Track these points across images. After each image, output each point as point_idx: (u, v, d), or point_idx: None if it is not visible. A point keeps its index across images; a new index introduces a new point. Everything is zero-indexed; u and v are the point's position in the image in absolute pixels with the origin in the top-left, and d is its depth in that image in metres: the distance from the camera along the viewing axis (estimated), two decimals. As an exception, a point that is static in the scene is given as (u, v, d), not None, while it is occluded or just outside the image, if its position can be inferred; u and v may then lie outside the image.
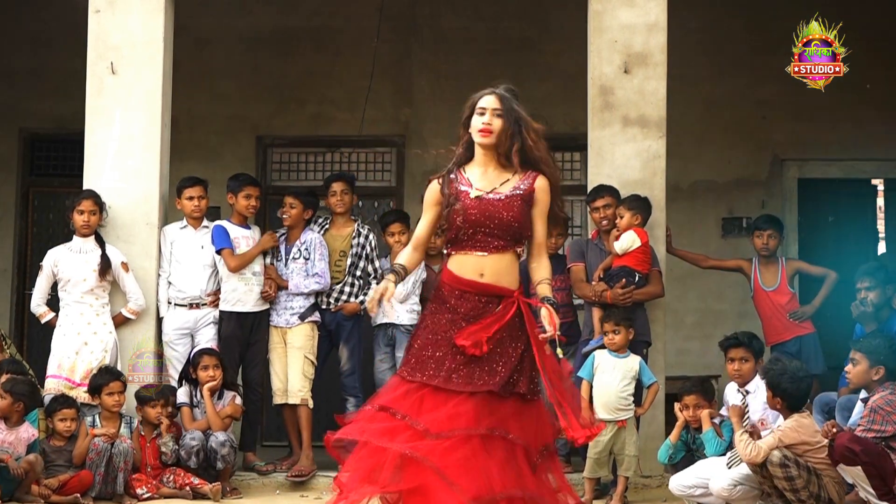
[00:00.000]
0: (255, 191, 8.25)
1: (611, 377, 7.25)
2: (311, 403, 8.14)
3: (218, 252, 8.04)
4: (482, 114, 4.92)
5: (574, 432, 4.84)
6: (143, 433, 7.62)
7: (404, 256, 5.10)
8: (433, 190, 5.03)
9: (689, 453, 7.04)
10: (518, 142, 4.92)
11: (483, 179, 4.96)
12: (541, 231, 5.01)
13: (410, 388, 4.80)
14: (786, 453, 6.18)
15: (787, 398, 6.30)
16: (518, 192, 4.92)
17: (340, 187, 8.40)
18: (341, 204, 8.38)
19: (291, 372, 8.13)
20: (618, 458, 7.24)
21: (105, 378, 7.51)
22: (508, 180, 4.95)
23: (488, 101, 4.94)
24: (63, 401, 7.45)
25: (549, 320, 4.84)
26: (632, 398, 7.27)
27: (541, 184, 4.99)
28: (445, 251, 5.02)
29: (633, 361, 7.30)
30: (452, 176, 4.97)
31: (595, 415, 7.23)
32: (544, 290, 4.98)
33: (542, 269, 5.03)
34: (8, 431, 7.10)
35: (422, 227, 5.10)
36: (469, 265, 4.89)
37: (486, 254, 4.86)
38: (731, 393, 7.05)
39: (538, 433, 4.90)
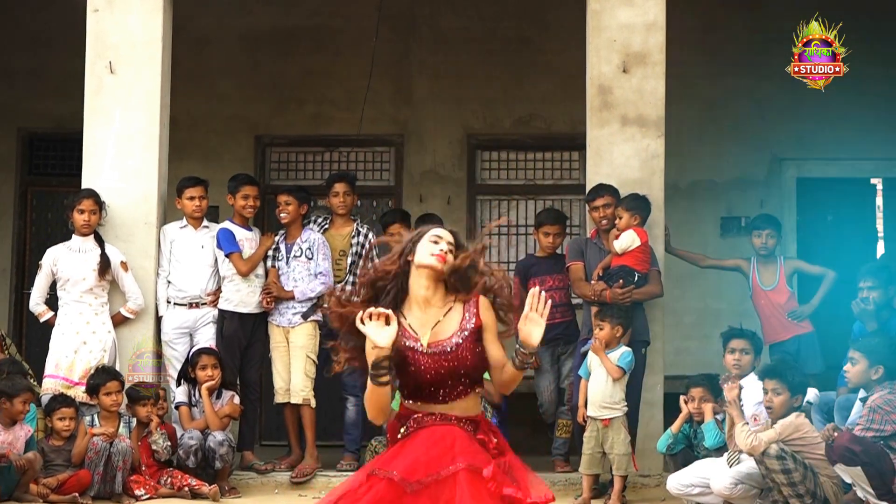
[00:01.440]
0: (253, 191, 8.25)
1: (598, 374, 7.27)
2: (313, 403, 8.14)
3: (227, 256, 8.04)
4: (436, 242, 4.41)
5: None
6: (139, 433, 7.63)
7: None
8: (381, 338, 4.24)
9: (688, 447, 7.06)
10: (463, 273, 4.41)
11: (424, 323, 4.40)
12: (498, 353, 4.41)
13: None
14: (783, 447, 6.20)
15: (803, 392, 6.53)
16: (466, 332, 4.38)
17: (343, 188, 8.39)
18: (343, 205, 8.38)
19: (294, 371, 8.13)
20: (609, 458, 7.24)
21: (102, 378, 7.51)
22: (451, 310, 4.42)
23: (445, 235, 4.46)
24: (62, 400, 7.45)
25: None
26: (620, 396, 7.25)
27: (483, 305, 4.43)
28: (402, 401, 4.46)
29: (616, 355, 7.29)
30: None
31: (586, 412, 7.31)
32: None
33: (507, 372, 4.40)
34: (6, 432, 7.09)
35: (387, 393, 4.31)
36: (436, 411, 4.37)
37: (452, 402, 4.36)
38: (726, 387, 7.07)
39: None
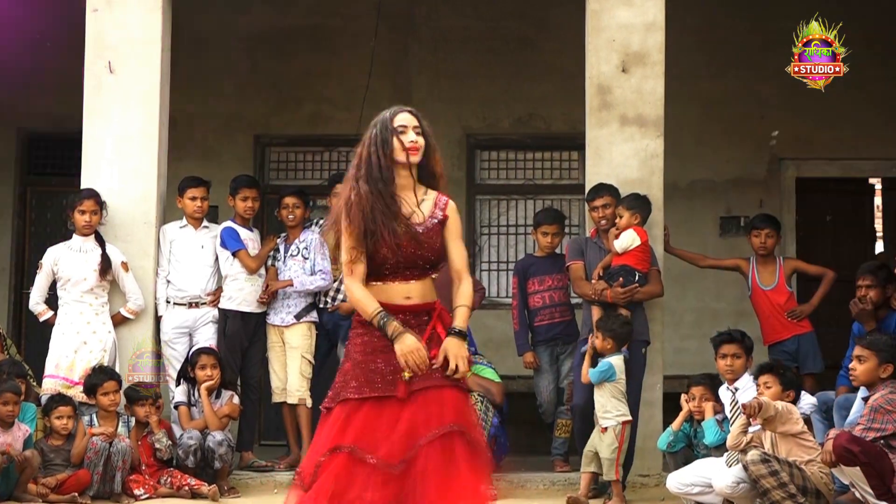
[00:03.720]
0: (253, 192, 8.25)
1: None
2: (309, 403, 8.14)
3: (234, 254, 8.04)
4: (403, 132, 4.75)
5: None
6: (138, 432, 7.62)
7: (369, 299, 4.63)
8: (360, 213, 4.65)
9: (688, 446, 7.06)
10: (432, 162, 4.78)
11: (403, 206, 4.71)
12: (459, 253, 4.76)
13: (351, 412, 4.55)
14: (764, 451, 6.24)
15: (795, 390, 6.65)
16: (435, 220, 4.72)
17: None
18: None
19: (290, 372, 8.15)
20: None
21: (100, 378, 7.50)
22: (423, 201, 4.74)
23: (408, 119, 4.81)
24: (59, 399, 7.45)
25: (451, 355, 4.54)
26: (614, 403, 7.23)
27: (451, 208, 4.77)
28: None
29: (605, 364, 7.24)
30: (387, 202, 4.66)
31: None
32: (458, 318, 4.67)
33: (461, 294, 4.72)
34: (5, 434, 7.08)
35: (356, 256, 4.65)
36: (395, 291, 4.66)
37: (412, 281, 4.65)
38: (722, 392, 7.07)
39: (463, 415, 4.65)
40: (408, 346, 4.53)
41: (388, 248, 4.62)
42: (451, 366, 4.54)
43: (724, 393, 7.05)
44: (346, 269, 4.68)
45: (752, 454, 6.22)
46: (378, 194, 4.65)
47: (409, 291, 4.67)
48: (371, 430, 4.51)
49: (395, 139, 4.75)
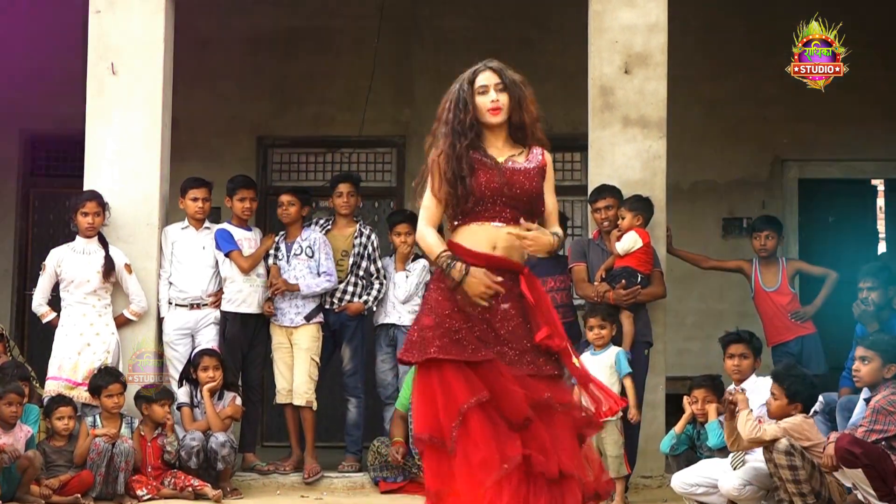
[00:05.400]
0: (250, 193, 8.25)
1: (595, 374, 7.25)
2: (315, 405, 8.15)
3: (227, 255, 8.04)
4: (484, 92, 4.78)
5: (611, 402, 4.87)
6: (143, 434, 7.62)
7: (439, 242, 4.74)
8: (445, 159, 4.73)
9: (690, 448, 7.06)
10: (522, 115, 4.81)
11: (496, 153, 4.79)
12: (552, 203, 4.89)
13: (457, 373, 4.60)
14: (793, 443, 6.18)
15: (804, 402, 6.40)
16: (533, 164, 4.78)
17: (347, 188, 8.40)
18: (347, 206, 8.39)
19: (298, 373, 8.13)
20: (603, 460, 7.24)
21: (105, 379, 7.51)
22: (521, 153, 4.80)
23: (488, 78, 4.82)
24: (59, 399, 7.46)
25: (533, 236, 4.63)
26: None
27: (548, 158, 4.86)
28: (452, 224, 4.79)
29: (611, 354, 7.28)
30: (463, 150, 4.72)
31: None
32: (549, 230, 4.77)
33: (553, 228, 4.82)
34: (6, 435, 7.09)
35: (435, 204, 4.77)
36: (482, 236, 4.68)
37: (501, 224, 4.68)
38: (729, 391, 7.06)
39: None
40: (474, 283, 4.57)
41: (479, 184, 4.65)
42: (527, 233, 4.59)
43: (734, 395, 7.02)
44: (421, 213, 4.77)
45: (782, 442, 6.16)
46: (462, 140, 4.69)
47: (496, 240, 4.67)
48: (482, 387, 4.56)
49: (475, 99, 4.77)
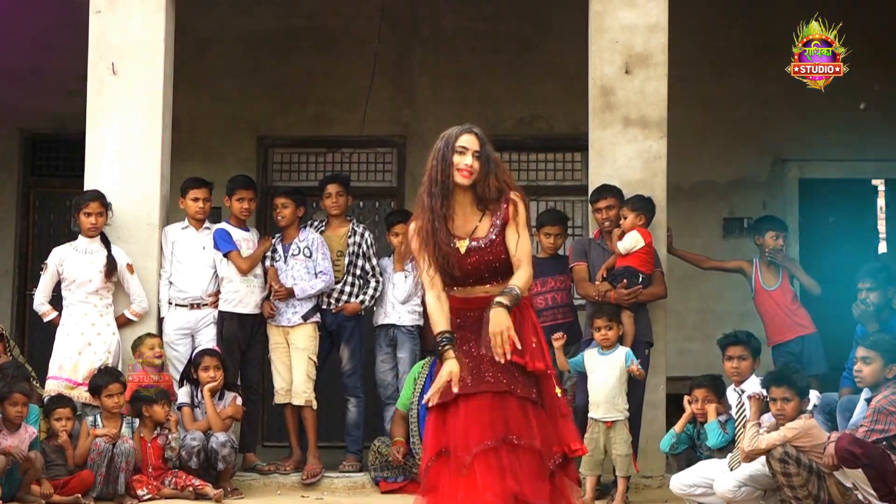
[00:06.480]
0: (248, 193, 8.25)
1: (600, 375, 7.27)
2: (315, 404, 8.15)
3: (225, 255, 8.04)
4: (462, 153, 4.99)
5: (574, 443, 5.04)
6: (143, 434, 7.62)
7: (443, 318, 5.00)
8: (423, 243, 5.04)
9: (691, 448, 7.06)
10: (486, 188, 5.03)
11: (464, 225, 5.06)
12: (521, 245, 5.05)
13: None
14: (788, 450, 6.19)
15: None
16: (493, 236, 5.03)
17: (335, 189, 8.41)
18: (336, 206, 8.40)
19: (296, 373, 8.13)
20: (611, 459, 7.24)
21: (105, 379, 7.50)
22: (484, 215, 5.05)
23: (469, 142, 5.02)
24: (58, 400, 7.46)
25: (491, 333, 4.85)
26: (623, 398, 7.26)
27: (515, 201, 5.06)
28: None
29: (619, 355, 7.30)
30: (438, 225, 5.00)
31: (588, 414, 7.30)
32: (504, 294, 4.92)
33: (515, 277, 5.00)
34: (11, 436, 7.09)
35: (433, 273, 5.03)
36: (476, 290, 5.05)
37: (488, 285, 5.04)
38: (729, 393, 7.07)
39: (551, 438, 4.95)
40: (444, 371, 4.87)
41: (455, 267, 4.99)
42: (493, 342, 4.82)
43: (731, 394, 7.04)
44: (424, 280, 5.05)
45: (776, 450, 6.20)
46: (433, 212, 4.98)
47: (489, 291, 5.00)
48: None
49: (453, 157, 5.00)
